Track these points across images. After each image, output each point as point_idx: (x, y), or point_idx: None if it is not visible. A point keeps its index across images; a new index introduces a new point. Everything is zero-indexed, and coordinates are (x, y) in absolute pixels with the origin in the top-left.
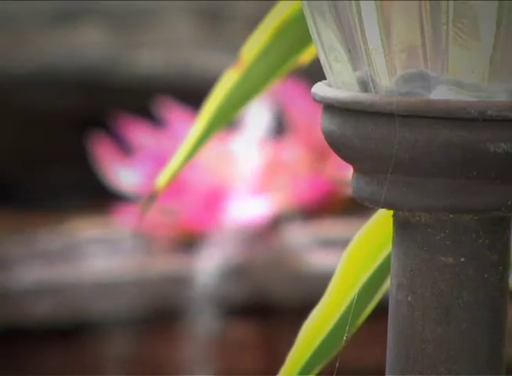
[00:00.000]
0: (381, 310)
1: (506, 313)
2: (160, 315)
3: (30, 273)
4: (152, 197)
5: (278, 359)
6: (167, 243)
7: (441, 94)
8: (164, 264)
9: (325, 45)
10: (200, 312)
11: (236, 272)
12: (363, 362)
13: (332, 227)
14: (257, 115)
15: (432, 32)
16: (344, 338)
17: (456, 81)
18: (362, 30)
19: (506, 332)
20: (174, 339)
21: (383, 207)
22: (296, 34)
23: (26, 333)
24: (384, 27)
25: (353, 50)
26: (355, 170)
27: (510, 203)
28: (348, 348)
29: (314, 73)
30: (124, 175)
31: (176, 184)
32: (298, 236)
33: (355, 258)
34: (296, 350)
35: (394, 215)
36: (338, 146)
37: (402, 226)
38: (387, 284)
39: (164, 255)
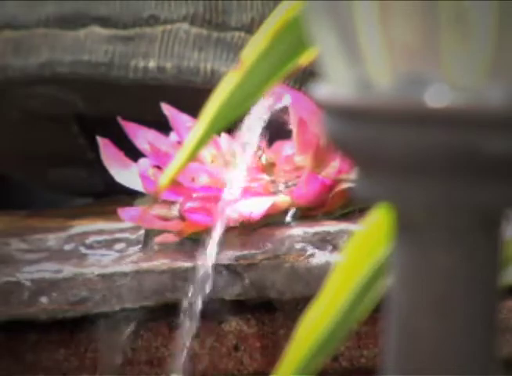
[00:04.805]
0: (379, 309)
1: (499, 311)
2: (159, 312)
3: (33, 271)
4: (155, 196)
5: (277, 358)
6: (169, 241)
7: (438, 94)
8: (165, 262)
9: (324, 45)
10: (200, 310)
11: (236, 271)
12: (360, 361)
13: (331, 226)
14: (257, 116)
15: (429, 33)
16: (341, 336)
17: (453, 82)
18: (360, 31)
19: (500, 330)
20: (174, 336)
21: (382, 207)
22: (295, 35)
23: (26, 331)
24: (381, 28)
25: (351, 50)
26: (356, 169)
27: (506, 202)
28: (346, 347)
29: (314, 74)
30: (127, 175)
31: (178, 184)
32: (297, 234)
33: (352, 257)
34: (292, 349)
35: (392, 214)
36: (339, 146)
37: (400, 225)
38: (385, 283)
39: (165, 253)
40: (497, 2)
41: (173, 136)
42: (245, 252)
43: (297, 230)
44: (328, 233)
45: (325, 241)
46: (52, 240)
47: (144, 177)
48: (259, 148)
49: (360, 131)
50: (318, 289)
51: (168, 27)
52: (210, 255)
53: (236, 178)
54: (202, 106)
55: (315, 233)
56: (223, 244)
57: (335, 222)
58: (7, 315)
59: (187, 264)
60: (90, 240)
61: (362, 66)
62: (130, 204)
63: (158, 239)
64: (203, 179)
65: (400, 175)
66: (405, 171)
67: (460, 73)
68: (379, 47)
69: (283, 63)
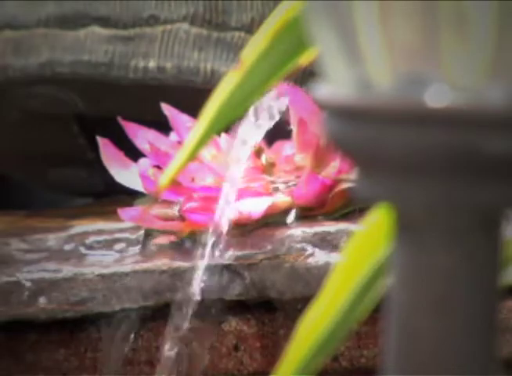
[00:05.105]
0: (379, 309)
1: (499, 311)
2: (159, 312)
3: (33, 271)
4: (155, 196)
5: (277, 358)
6: (169, 241)
7: (438, 94)
8: (165, 262)
9: (324, 45)
10: (200, 310)
11: (236, 271)
12: (360, 361)
13: (331, 226)
14: (257, 115)
15: (429, 33)
16: (341, 336)
17: (453, 82)
18: (360, 31)
19: (500, 330)
20: (174, 336)
21: (382, 207)
22: (295, 35)
23: (26, 331)
24: (381, 28)
25: (351, 50)
26: (356, 169)
27: (506, 202)
28: (346, 347)
29: (314, 74)
30: (127, 175)
31: (178, 184)
32: (297, 234)
33: (352, 257)
34: (292, 349)
35: (392, 214)
36: (339, 146)
37: (400, 225)
38: (385, 283)
39: (165, 253)
40: (497, 2)
41: (173, 136)
42: (245, 252)
43: (297, 230)
44: (328, 233)
45: (325, 241)
46: (52, 240)
47: (144, 177)
48: (259, 148)
49: (360, 131)
50: (318, 289)
51: (168, 27)
52: (210, 255)
53: (234, 178)
54: (202, 106)
55: (315, 233)
56: (222, 244)
57: (335, 222)
58: (7, 315)
59: (187, 264)
60: (90, 240)
61: (362, 66)
62: (130, 204)
63: (158, 239)
64: (203, 179)
65: (400, 175)
66: (405, 171)
67: (460, 73)
68: (379, 47)
69: (283, 63)
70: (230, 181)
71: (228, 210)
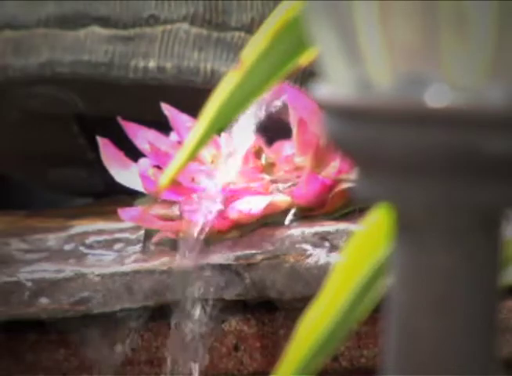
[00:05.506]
0: (379, 309)
1: (499, 311)
2: (159, 312)
3: (33, 271)
4: (155, 196)
5: (277, 358)
6: (168, 241)
7: (438, 94)
8: (165, 262)
9: (324, 45)
10: (200, 310)
11: (236, 271)
12: (360, 361)
13: (331, 226)
14: (257, 115)
15: (429, 33)
16: (341, 336)
17: (453, 82)
18: (360, 31)
19: (500, 330)
20: (174, 336)
21: (382, 207)
22: (295, 35)
23: (26, 331)
24: (381, 28)
25: (351, 50)
26: (356, 169)
27: (506, 202)
28: (346, 347)
29: (314, 74)
30: (127, 175)
31: (178, 184)
32: (297, 234)
33: (352, 257)
34: (292, 349)
35: (392, 214)
36: (339, 146)
37: (400, 225)
38: (385, 283)
39: (165, 253)
40: (497, 2)
41: (173, 136)
42: (245, 252)
43: (297, 230)
44: (328, 233)
45: (325, 241)
46: (52, 240)
47: (144, 177)
48: (259, 148)
49: (360, 131)
50: (318, 289)
51: (168, 27)
52: (210, 255)
53: (235, 178)
54: (202, 106)
55: (315, 233)
56: (222, 243)
57: (335, 222)
58: (7, 315)
59: (187, 263)
60: (90, 240)
61: (362, 66)
62: (130, 204)
63: (158, 238)
64: (202, 179)
65: (400, 175)
66: (405, 171)
67: (460, 73)
68: (379, 47)
69: (283, 63)
70: (237, 183)
71: (231, 210)
